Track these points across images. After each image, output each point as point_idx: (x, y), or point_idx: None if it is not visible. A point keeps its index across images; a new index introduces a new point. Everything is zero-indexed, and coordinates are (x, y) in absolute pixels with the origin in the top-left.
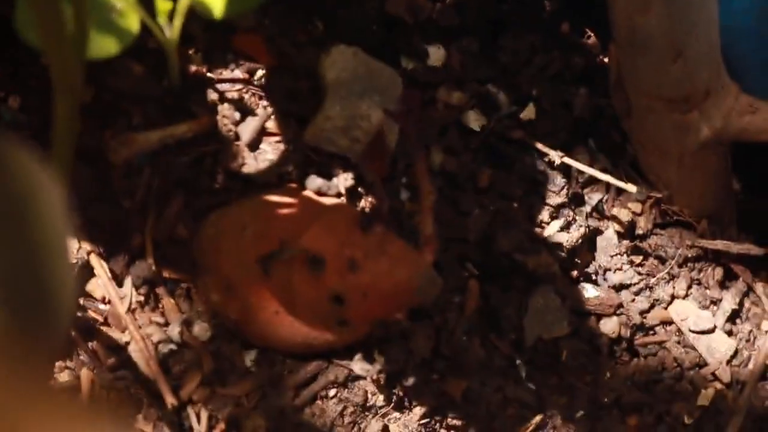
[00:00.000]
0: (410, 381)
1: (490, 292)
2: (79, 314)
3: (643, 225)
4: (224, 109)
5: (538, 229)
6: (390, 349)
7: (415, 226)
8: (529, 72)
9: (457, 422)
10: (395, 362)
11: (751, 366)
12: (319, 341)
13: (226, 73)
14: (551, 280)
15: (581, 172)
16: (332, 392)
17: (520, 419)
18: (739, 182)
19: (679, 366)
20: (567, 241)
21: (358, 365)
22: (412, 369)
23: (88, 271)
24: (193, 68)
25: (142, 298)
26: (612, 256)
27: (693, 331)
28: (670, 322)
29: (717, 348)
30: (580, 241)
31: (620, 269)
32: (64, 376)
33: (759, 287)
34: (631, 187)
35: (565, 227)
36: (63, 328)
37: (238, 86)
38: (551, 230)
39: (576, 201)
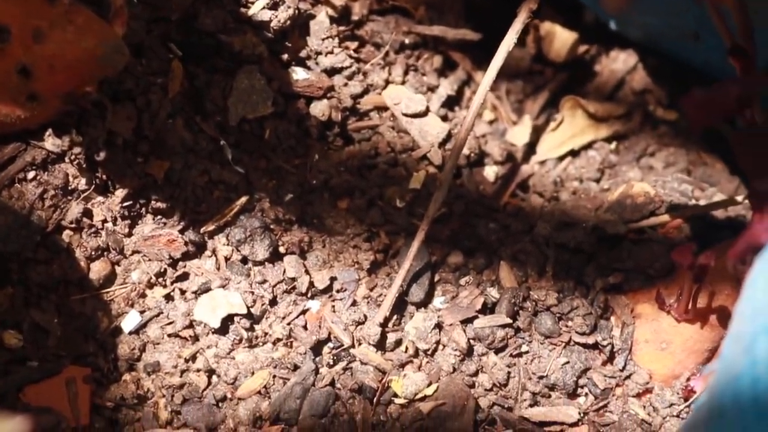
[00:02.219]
0: (112, 163)
1: (194, 73)
2: None
3: (358, 10)
4: None
5: (243, 9)
6: (88, 129)
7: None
8: None
9: (161, 205)
10: (94, 142)
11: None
12: (10, 118)
13: None
14: (257, 61)
15: None
16: (31, 175)
17: (225, 201)
18: None
19: (393, 150)
20: (274, 21)
21: (50, 142)
22: (114, 151)
23: None
24: None
25: None
26: (324, 40)
27: (406, 115)
28: (385, 108)
29: (429, 131)
30: (288, 22)
31: (332, 53)
32: None
33: (479, 76)
34: None
35: (272, 7)
36: None
37: None
38: (256, 9)
39: None
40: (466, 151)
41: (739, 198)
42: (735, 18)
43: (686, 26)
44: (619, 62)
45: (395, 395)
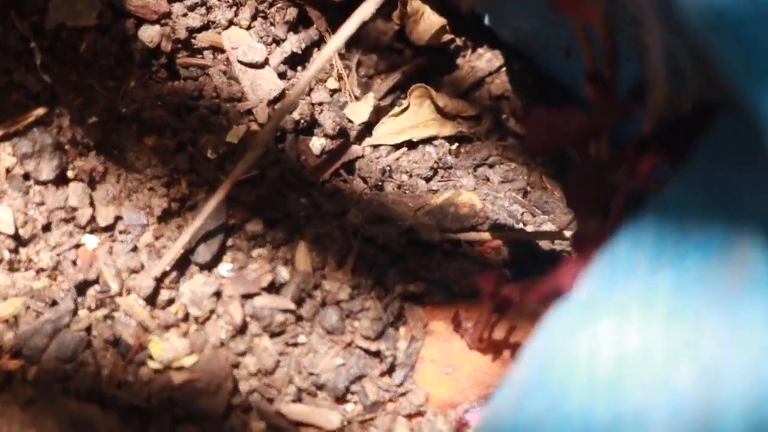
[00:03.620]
0: None
1: None
2: None
3: None
4: None
5: None
6: None
7: None
8: None
9: None
10: None
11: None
12: None
13: None
14: None
15: None
16: None
17: (22, 108)
18: None
19: (218, 97)
20: None
21: None
22: None
23: None
24: None
25: None
26: None
27: (241, 63)
28: (221, 50)
29: (262, 86)
30: None
31: None
32: None
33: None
34: None
35: None
36: None
37: None
38: None
39: None
40: (296, 115)
41: (568, 233)
42: (601, 41)
43: (559, 39)
44: (483, 61)
45: (151, 357)
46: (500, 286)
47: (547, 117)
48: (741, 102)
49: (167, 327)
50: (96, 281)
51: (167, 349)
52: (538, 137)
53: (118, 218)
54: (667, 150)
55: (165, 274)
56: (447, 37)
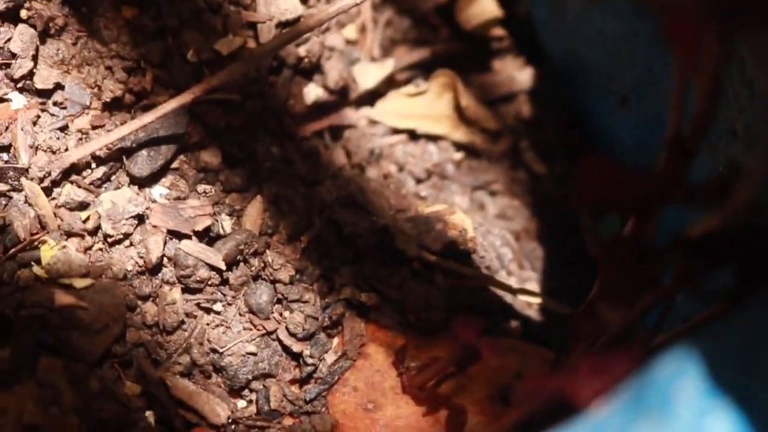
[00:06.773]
0: None
1: None
2: None
3: None
4: None
5: None
6: None
7: None
8: None
9: None
10: None
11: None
12: None
13: None
14: None
15: None
16: None
17: None
18: None
19: None
20: None
21: None
22: None
23: None
24: None
25: None
26: None
27: None
28: None
29: (278, 2)
30: None
31: None
32: None
33: None
34: None
35: None
36: None
37: None
38: None
39: None
40: (302, 51)
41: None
42: (697, 106)
43: (619, 82)
44: (524, 75)
45: (38, 262)
46: (478, 338)
47: (608, 169)
48: None
49: (69, 234)
50: (8, 148)
51: (60, 259)
52: (591, 187)
53: (58, 86)
54: (744, 263)
55: (85, 167)
56: (497, 32)
